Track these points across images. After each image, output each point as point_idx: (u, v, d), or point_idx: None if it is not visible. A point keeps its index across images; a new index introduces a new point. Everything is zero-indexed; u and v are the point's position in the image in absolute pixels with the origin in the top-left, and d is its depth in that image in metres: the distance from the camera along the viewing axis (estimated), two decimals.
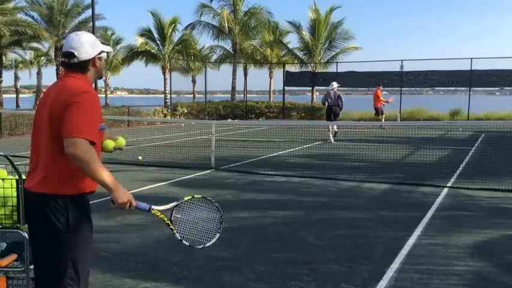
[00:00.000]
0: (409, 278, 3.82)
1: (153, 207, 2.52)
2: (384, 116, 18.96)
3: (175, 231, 2.64)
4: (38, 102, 2.48)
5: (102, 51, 2.44)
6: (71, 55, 2.34)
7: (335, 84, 15.71)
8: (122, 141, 2.79)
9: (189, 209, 2.72)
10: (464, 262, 4.20)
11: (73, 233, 2.26)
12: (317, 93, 30.27)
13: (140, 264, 4.15)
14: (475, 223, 5.45)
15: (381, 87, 19.46)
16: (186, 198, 2.70)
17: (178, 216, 2.67)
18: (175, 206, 2.67)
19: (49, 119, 2.25)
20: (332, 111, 15.22)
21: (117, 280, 3.79)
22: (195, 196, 2.72)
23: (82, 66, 2.36)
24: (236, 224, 5.43)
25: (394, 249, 4.46)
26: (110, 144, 2.70)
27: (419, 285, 3.69)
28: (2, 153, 2.89)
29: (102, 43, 2.49)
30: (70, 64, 2.36)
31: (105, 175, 2.17)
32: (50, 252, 2.28)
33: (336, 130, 14.90)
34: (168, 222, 2.63)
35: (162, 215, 2.57)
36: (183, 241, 2.64)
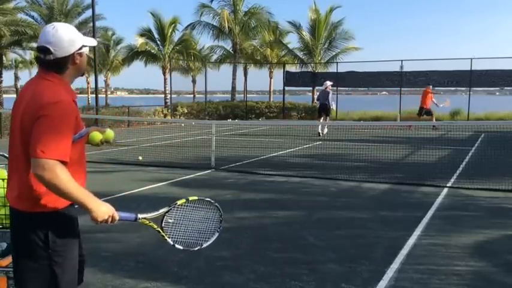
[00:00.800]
0: (409, 278, 3.82)
1: (139, 216, 2.32)
2: (433, 116, 18.35)
3: (166, 237, 2.44)
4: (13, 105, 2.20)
5: (83, 46, 2.14)
6: (46, 51, 2.06)
7: (328, 83, 16.67)
8: (110, 134, 2.50)
9: (183, 212, 2.52)
10: (464, 262, 4.20)
11: (54, 249, 2.08)
12: (317, 93, 30.28)
13: (140, 264, 4.15)
14: (475, 223, 5.45)
15: (431, 87, 19.01)
16: (179, 202, 2.50)
17: (170, 221, 2.48)
18: (167, 211, 2.47)
19: (20, 129, 2.05)
20: (323, 109, 16.20)
21: (118, 280, 3.79)
22: (190, 199, 2.53)
23: (59, 64, 2.09)
24: (236, 224, 5.43)
25: (394, 249, 4.47)
26: (96, 136, 2.39)
27: (419, 285, 3.69)
28: (2, 153, 2.89)
29: (99, 38, 2.37)
30: (45, 61, 2.09)
31: (79, 195, 1.98)
32: (30, 266, 2.11)
33: (326, 131, 15.66)
34: (158, 229, 2.42)
35: (150, 223, 2.38)
36: (176, 245, 2.49)
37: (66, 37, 2.08)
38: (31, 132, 1.95)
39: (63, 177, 1.92)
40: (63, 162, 1.94)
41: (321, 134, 15.27)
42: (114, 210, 2.13)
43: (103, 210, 2.07)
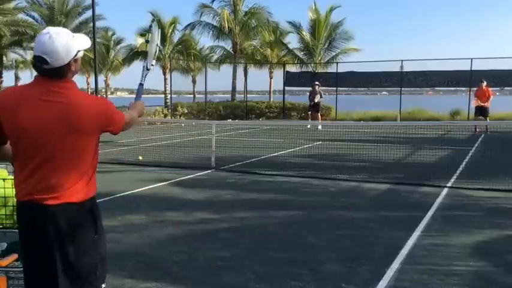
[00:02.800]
0: (409, 278, 3.82)
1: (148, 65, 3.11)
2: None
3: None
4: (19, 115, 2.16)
5: (78, 52, 2.20)
6: (43, 61, 2.12)
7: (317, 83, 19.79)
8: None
9: None
10: (464, 262, 4.21)
11: (99, 233, 2.32)
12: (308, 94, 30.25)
13: (140, 264, 4.15)
14: (475, 223, 5.45)
15: (485, 83, 17.18)
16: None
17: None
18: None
19: (74, 136, 2.17)
20: (313, 107, 19.26)
21: (118, 280, 3.79)
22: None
23: (56, 73, 2.14)
24: (236, 224, 5.44)
25: (394, 249, 4.47)
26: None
27: (419, 285, 3.69)
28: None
29: (101, 39, 2.52)
30: (43, 69, 2.14)
31: (134, 117, 2.63)
32: (82, 257, 2.23)
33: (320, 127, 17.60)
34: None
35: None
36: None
37: (63, 48, 2.12)
38: (98, 130, 2.26)
39: (133, 119, 2.61)
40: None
41: (309, 125, 17.30)
42: (140, 106, 2.80)
43: (140, 107, 2.79)
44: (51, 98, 2.15)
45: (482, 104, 16.72)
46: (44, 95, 2.15)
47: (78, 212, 2.22)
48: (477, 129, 16.73)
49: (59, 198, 2.16)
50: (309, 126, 17.01)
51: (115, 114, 2.36)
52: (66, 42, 2.14)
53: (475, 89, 18.23)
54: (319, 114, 19.47)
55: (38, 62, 2.13)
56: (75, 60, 2.19)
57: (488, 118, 16.77)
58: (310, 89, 19.74)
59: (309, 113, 19.41)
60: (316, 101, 19.15)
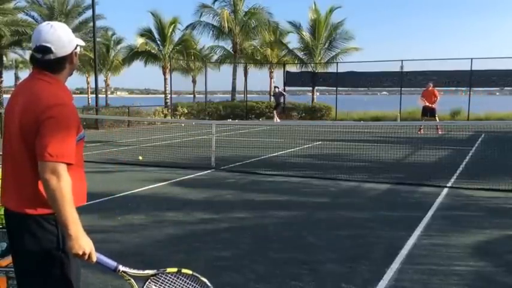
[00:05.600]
0: (409, 278, 3.82)
1: (120, 267, 2.13)
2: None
3: None
4: (6, 106, 2.14)
5: (77, 45, 2.11)
6: (46, 50, 1.98)
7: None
8: None
9: (170, 283, 2.20)
10: (464, 262, 4.21)
11: (64, 251, 2.03)
12: (317, 93, 30.29)
13: (140, 264, 4.13)
14: (475, 223, 5.45)
15: (431, 85, 17.41)
16: (169, 270, 2.18)
17: None
18: (153, 275, 2.18)
19: (20, 133, 2.00)
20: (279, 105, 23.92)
21: (118, 280, 3.79)
22: (183, 271, 2.19)
23: (58, 64, 2.04)
24: (236, 224, 5.44)
25: (394, 249, 4.47)
26: None
27: (419, 285, 3.69)
28: (2, 154, 2.90)
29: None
30: (44, 61, 2.01)
31: (68, 212, 1.90)
32: (38, 269, 2.05)
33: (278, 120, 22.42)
34: None
35: (130, 280, 2.16)
36: None
37: (66, 36, 2.04)
38: (36, 135, 1.93)
39: (66, 184, 1.90)
40: (69, 164, 1.94)
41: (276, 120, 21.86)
42: (93, 249, 1.99)
43: (82, 242, 1.95)
44: (27, 90, 2.05)
45: (430, 105, 17.05)
46: (25, 85, 2.09)
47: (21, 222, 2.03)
48: (421, 130, 16.94)
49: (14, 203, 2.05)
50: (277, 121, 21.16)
51: (50, 133, 1.90)
52: (68, 31, 2.08)
53: (463, 89, 18.44)
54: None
55: (40, 53, 2.00)
56: (75, 53, 2.11)
57: (437, 118, 17.25)
58: (309, 88, 20.31)
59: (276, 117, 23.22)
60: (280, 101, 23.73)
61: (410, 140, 13.81)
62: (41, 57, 2.02)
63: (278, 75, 32.47)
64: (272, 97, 25.26)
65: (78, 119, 2.07)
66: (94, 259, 2.01)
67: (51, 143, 1.89)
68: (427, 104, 17.03)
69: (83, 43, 2.18)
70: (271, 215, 5.82)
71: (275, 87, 24.74)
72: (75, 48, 2.09)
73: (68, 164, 1.94)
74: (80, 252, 1.95)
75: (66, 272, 2.05)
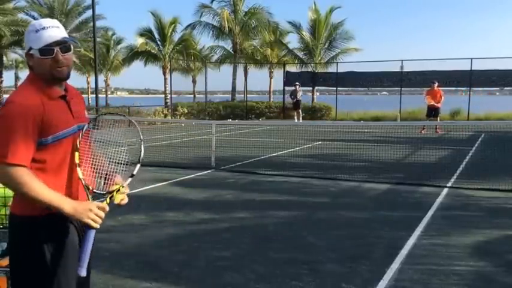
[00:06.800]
0: (409, 278, 3.82)
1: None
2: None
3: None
4: None
5: (31, 48, 2.00)
6: (71, 43, 1.99)
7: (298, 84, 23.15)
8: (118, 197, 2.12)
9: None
10: (464, 262, 4.21)
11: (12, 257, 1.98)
12: (317, 93, 30.29)
13: (140, 264, 4.15)
14: (475, 223, 5.45)
15: (436, 84, 17.35)
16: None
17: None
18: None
19: None
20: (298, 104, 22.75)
21: (118, 280, 3.79)
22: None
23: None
24: (236, 224, 5.44)
25: (394, 249, 4.47)
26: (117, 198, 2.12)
27: (419, 285, 3.69)
28: None
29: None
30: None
31: (47, 198, 1.84)
32: (20, 271, 2.01)
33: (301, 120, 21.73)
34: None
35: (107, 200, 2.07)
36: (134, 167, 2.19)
37: (26, 34, 1.98)
38: None
39: (13, 174, 1.81)
40: (19, 166, 1.83)
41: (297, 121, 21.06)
42: (93, 209, 1.92)
43: (80, 209, 1.90)
44: None
45: (435, 104, 17.02)
46: None
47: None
48: (424, 130, 16.83)
49: None
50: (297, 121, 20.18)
51: None
52: (27, 30, 2.01)
53: (463, 89, 18.40)
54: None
55: (66, 45, 1.96)
56: (30, 54, 2.01)
57: (439, 118, 17.24)
58: (309, 88, 20.45)
59: (296, 117, 22.53)
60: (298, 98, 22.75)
61: (410, 140, 13.81)
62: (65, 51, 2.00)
63: (278, 75, 32.50)
64: (290, 97, 23.42)
65: (38, 117, 1.89)
66: (105, 210, 1.96)
67: None
68: (433, 102, 16.98)
69: (36, 47, 1.96)
70: (271, 215, 5.82)
71: (295, 84, 23.09)
72: (29, 50, 1.96)
73: (15, 166, 1.82)
74: (87, 221, 1.90)
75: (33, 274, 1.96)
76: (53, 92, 1.98)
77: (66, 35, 2.00)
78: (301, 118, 22.39)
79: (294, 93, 22.88)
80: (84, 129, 2.08)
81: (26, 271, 1.96)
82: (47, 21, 1.98)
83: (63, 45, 1.96)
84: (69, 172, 2.01)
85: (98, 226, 1.94)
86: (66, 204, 1.88)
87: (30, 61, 1.98)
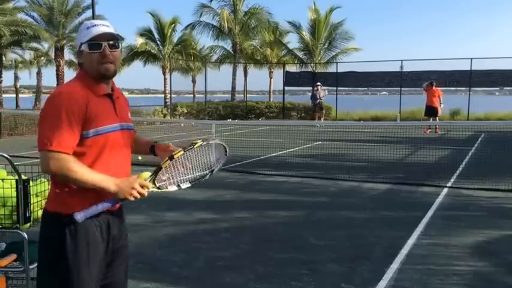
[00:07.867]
0: (409, 278, 3.82)
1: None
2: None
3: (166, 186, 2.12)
4: None
5: (81, 43, 2.10)
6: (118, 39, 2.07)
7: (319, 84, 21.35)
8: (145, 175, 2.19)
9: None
10: (464, 262, 4.20)
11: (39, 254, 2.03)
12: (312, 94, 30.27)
13: (140, 264, 4.15)
14: (475, 223, 5.45)
15: (434, 84, 17.63)
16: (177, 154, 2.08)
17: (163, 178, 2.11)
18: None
19: None
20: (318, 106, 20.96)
21: None
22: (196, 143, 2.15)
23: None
24: (236, 224, 5.43)
25: (394, 249, 4.46)
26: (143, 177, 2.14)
27: (419, 285, 3.69)
28: (2, 154, 2.89)
29: None
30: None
31: (94, 181, 1.89)
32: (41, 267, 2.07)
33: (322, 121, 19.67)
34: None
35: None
36: (182, 185, 2.17)
37: (78, 32, 2.09)
38: None
39: (60, 163, 1.85)
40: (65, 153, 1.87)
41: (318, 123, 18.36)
42: (135, 182, 1.93)
43: (123, 186, 1.91)
44: None
45: (434, 105, 17.11)
46: None
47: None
48: (429, 130, 16.93)
49: None
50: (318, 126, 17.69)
51: (40, 125, 1.93)
52: (80, 29, 2.14)
53: (463, 88, 18.51)
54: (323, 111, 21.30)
55: (114, 42, 2.04)
56: (80, 51, 2.13)
57: (438, 118, 17.23)
58: (309, 88, 20.28)
59: (317, 117, 20.78)
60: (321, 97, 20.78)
61: (410, 140, 13.80)
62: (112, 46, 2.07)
63: (278, 75, 32.51)
64: (311, 99, 21.48)
65: (82, 110, 1.93)
66: (146, 189, 1.96)
67: (38, 135, 1.92)
68: (434, 103, 17.08)
69: (85, 40, 2.03)
70: (271, 215, 5.82)
71: (316, 85, 21.02)
72: (80, 46, 2.04)
73: (60, 153, 1.86)
74: (131, 198, 1.92)
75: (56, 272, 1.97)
76: (99, 89, 2.04)
77: (115, 33, 2.07)
78: (322, 119, 20.60)
79: (314, 96, 21.14)
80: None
81: (52, 266, 1.97)
82: (97, 21, 2.12)
83: (112, 41, 2.02)
84: (104, 168, 1.99)
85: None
86: (111, 184, 1.92)
87: (80, 58, 2.06)
